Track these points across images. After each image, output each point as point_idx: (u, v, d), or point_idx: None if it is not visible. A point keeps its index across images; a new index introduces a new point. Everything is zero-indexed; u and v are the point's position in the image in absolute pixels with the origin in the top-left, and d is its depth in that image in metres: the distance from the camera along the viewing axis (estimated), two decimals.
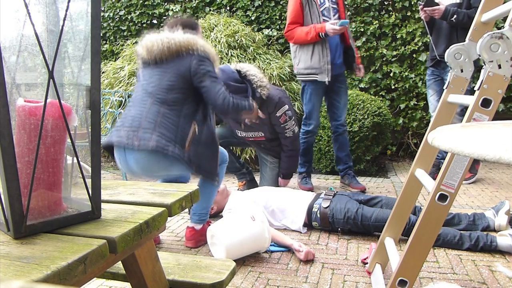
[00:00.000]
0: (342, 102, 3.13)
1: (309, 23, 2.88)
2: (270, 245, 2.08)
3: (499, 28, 3.66)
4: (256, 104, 2.17)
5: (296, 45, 2.99)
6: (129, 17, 5.21)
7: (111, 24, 5.26)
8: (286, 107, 2.85)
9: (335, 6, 2.97)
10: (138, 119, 1.83)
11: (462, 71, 1.51)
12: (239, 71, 2.72)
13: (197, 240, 2.15)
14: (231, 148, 3.21)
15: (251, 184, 3.12)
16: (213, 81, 1.88)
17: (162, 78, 1.87)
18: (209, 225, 2.19)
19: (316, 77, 2.91)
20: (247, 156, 3.83)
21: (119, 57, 4.72)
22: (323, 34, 2.79)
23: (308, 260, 1.96)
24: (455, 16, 2.92)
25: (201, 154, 1.87)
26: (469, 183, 3.31)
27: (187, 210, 2.59)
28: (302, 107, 3.91)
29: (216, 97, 1.88)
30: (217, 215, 2.60)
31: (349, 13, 4.33)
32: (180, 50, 1.88)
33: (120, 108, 3.74)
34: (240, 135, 2.99)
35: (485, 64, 1.18)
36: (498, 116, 3.78)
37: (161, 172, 1.93)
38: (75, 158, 0.84)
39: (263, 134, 2.91)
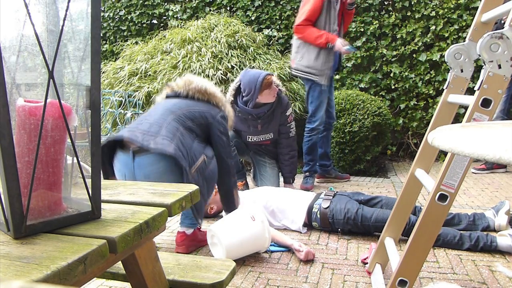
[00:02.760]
0: (333, 100, 3.36)
1: (321, 25, 2.96)
2: (270, 245, 2.08)
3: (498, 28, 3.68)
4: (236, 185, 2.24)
5: (301, 41, 3.05)
6: (129, 17, 5.21)
7: (111, 24, 5.26)
8: (291, 109, 3.08)
9: (340, 17, 3.09)
10: (157, 126, 1.83)
11: (462, 71, 1.51)
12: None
13: (188, 245, 2.09)
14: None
15: (245, 185, 3.22)
16: (226, 138, 2.07)
17: (188, 108, 1.99)
18: (200, 230, 2.18)
19: (315, 78, 3.03)
20: None
21: (119, 57, 4.72)
22: (330, 45, 2.91)
23: (308, 260, 1.96)
24: None
25: (200, 187, 1.87)
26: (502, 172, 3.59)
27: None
28: (303, 108, 3.92)
29: (226, 153, 2.06)
30: (217, 215, 2.60)
31: None
32: (213, 100, 2.08)
33: (120, 108, 3.74)
34: (249, 140, 3.06)
35: (485, 64, 1.18)
36: None
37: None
38: (75, 158, 0.84)
39: (271, 136, 3.04)
